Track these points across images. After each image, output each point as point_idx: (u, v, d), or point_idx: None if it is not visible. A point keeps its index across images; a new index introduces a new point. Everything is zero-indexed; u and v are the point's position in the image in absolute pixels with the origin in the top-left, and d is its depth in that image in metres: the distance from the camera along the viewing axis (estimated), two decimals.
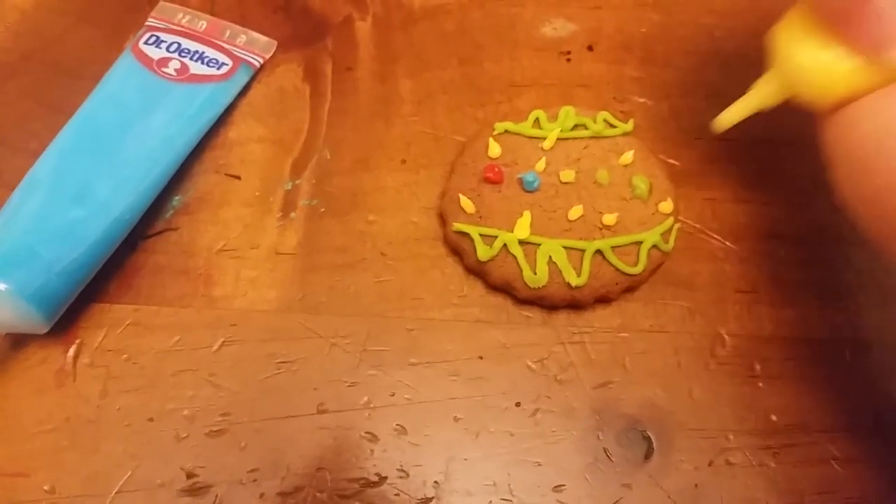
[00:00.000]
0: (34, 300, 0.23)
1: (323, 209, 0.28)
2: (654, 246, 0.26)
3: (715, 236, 0.28)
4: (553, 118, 0.28)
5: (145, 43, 0.29)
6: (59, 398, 0.24)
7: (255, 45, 0.31)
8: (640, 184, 0.26)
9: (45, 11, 0.31)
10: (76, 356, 0.25)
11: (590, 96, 0.31)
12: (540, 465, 0.24)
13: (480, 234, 0.25)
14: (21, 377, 0.25)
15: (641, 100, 0.31)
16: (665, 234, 0.26)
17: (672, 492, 0.24)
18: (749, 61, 0.33)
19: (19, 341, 0.25)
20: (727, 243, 0.28)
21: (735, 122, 0.25)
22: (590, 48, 0.32)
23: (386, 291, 0.27)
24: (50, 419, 0.24)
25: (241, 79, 0.30)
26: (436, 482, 0.24)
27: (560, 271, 0.25)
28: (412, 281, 0.27)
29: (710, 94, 0.32)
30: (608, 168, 0.27)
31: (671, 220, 0.26)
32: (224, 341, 0.25)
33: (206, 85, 0.29)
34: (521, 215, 0.26)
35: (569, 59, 0.32)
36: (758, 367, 0.26)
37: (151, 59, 0.29)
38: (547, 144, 0.27)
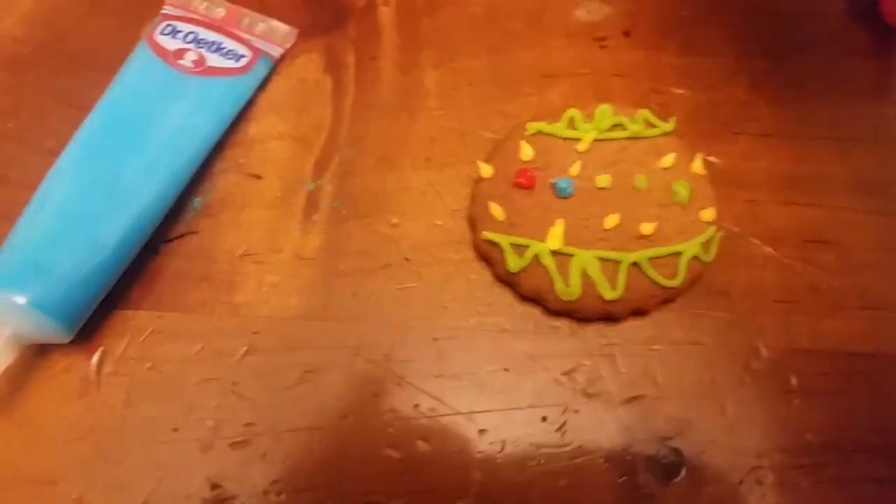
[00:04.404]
0: (54, 312, 0.23)
1: (345, 211, 0.27)
2: (695, 257, 0.24)
3: (754, 241, 0.27)
4: (589, 118, 0.26)
5: (161, 33, 0.28)
6: (83, 407, 0.24)
7: (275, 35, 0.29)
8: (681, 189, 0.25)
9: None
10: (100, 364, 0.25)
11: (625, 87, 0.30)
12: (567, 480, 0.24)
13: (511, 244, 0.24)
14: (45, 385, 0.24)
15: (680, 91, 0.29)
16: (706, 244, 0.25)
17: None
18: (797, 48, 0.31)
19: (43, 349, 0.25)
20: (767, 248, 0.27)
21: None
22: (626, 33, 0.31)
23: (410, 299, 0.26)
24: (75, 428, 0.24)
25: (261, 72, 0.28)
26: (460, 496, 0.24)
27: (594, 284, 0.24)
28: (437, 288, 0.26)
29: (754, 84, 0.30)
30: (647, 172, 0.25)
31: (713, 229, 0.25)
32: (247, 350, 0.25)
33: (224, 78, 0.28)
34: (554, 224, 0.24)
35: (603, 46, 0.30)
36: (794, 381, 0.25)
37: (167, 51, 0.28)
38: (582, 146, 0.26)
